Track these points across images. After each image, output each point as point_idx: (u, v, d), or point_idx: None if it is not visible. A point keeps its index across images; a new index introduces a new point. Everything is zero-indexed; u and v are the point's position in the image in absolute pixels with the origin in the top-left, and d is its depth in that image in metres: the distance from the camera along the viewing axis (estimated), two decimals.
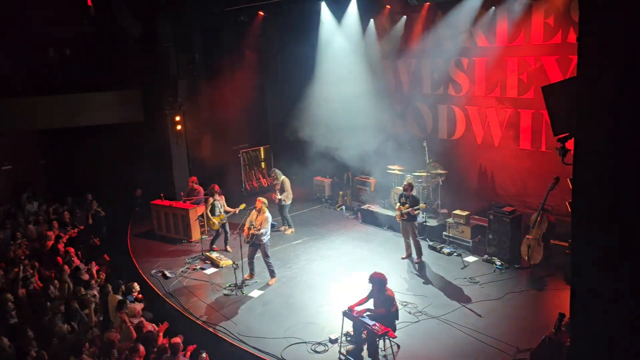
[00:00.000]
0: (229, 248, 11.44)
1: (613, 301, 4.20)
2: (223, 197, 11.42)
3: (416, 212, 10.11)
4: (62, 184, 14.61)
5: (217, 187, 11.34)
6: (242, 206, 10.69)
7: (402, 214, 10.23)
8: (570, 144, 4.83)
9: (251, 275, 9.98)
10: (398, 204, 10.44)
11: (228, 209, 11.21)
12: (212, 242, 11.54)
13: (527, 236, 9.66)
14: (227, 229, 11.48)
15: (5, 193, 13.91)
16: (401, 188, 11.85)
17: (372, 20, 13.71)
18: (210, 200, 11.31)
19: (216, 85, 15.30)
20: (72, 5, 14.24)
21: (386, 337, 7.10)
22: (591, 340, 4.47)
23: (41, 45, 14.24)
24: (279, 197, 12.29)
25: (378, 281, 7.38)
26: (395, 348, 7.43)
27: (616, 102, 3.96)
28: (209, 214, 11.28)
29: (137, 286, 8.92)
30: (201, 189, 12.51)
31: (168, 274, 10.43)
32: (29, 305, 8.57)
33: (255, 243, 9.70)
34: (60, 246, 10.59)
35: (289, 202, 12.45)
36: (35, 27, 14.13)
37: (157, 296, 9.75)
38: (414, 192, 10.31)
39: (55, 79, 14.04)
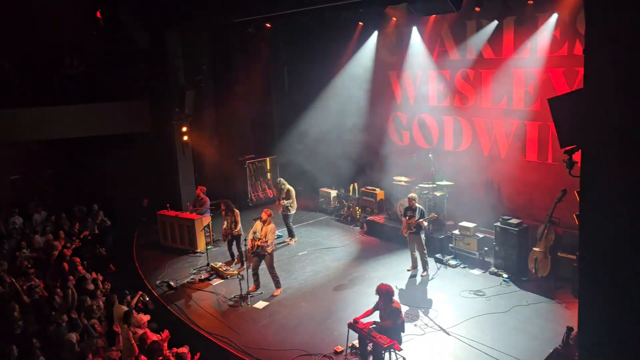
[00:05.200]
0: (244, 267, 10.65)
1: (622, 315, 4.15)
2: (236, 213, 11.05)
3: (425, 223, 10.06)
4: (69, 194, 14.67)
5: (222, 206, 11.12)
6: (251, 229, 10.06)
7: (410, 227, 10.20)
8: (577, 156, 4.81)
9: (256, 287, 9.95)
10: (405, 218, 10.40)
11: (238, 226, 10.97)
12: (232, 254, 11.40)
13: (534, 249, 9.60)
14: (240, 245, 10.93)
15: (12, 202, 13.97)
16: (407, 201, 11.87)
17: (378, 31, 13.80)
18: (223, 214, 11.08)
19: (223, 96, 15.41)
20: (81, 16, 14.40)
21: (392, 349, 7.05)
22: (600, 355, 4.42)
23: (50, 56, 14.39)
24: (285, 203, 12.27)
25: (385, 293, 7.33)
26: None
27: (623, 114, 3.95)
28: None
29: (146, 297, 8.98)
30: (207, 199, 12.53)
31: (173, 284, 10.43)
32: (34, 314, 8.58)
33: (260, 254, 9.68)
34: (67, 255, 10.59)
35: (293, 211, 12.45)
36: (45, 37, 14.28)
37: (162, 306, 9.74)
38: (418, 204, 10.27)
39: (64, 89, 14.17)
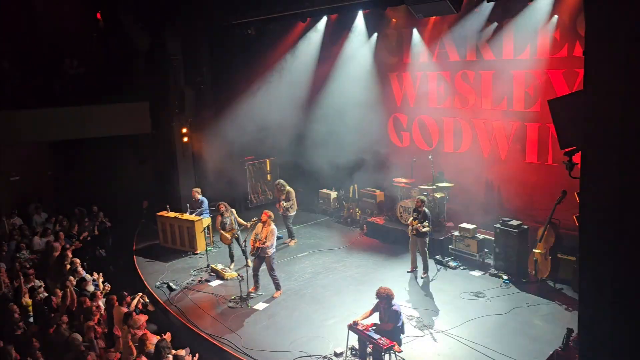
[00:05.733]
0: (249, 262, 10.40)
1: (622, 317, 4.15)
2: (233, 210, 11.21)
3: (424, 229, 10.05)
4: (70, 196, 14.68)
5: (221, 207, 11.09)
6: (254, 220, 10.18)
7: (412, 229, 10.19)
8: (577, 158, 4.81)
9: (256, 288, 9.94)
10: (411, 218, 10.40)
11: (241, 221, 11.02)
12: (232, 258, 11.34)
13: (534, 250, 9.59)
14: (240, 243, 10.92)
15: (12, 204, 13.97)
16: (408, 201, 11.87)
17: (378, 33, 13.81)
18: (219, 218, 11.10)
19: (223, 97, 15.40)
20: (81, 17, 14.43)
21: (392, 351, 7.04)
22: (600, 356, 4.41)
23: (50, 57, 14.40)
24: (285, 204, 12.26)
25: (385, 297, 7.32)
26: None
27: (623, 115, 3.95)
28: (220, 229, 11.09)
29: (146, 298, 8.97)
30: (204, 200, 12.51)
31: (173, 286, 10.42)
32: (35, 316, 8.58)
33: (260, 256, 9.66)
34: (67, 256, 10.59)
35: (293, 213, 12.43)
36: (44, 39, 14.30)
37: (162, 308, 9.73)
38: (425, 209, 10.26)
39: (64, 90, 14.18)
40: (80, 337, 7.30)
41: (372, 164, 14.23)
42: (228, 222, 11.00)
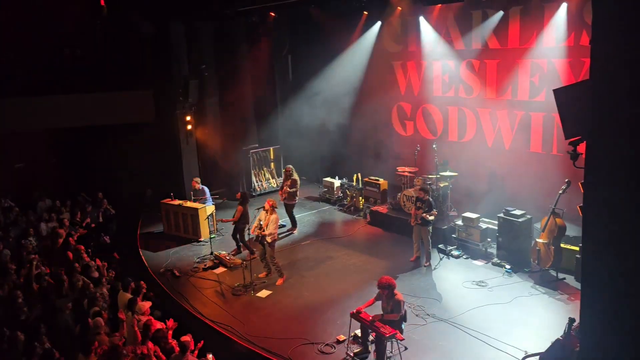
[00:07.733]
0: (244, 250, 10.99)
1: (624, 306, 4.16)
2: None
3: (430, 217, 10.06)
4: (74, 183, 14.72)
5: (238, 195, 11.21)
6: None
7: (416, 218, 10.20)
8: (581, 148, 4.80)
9: (267, 273, 10.01)
10: (413, 207, 10.39)
11: (232, 218, 11.12)
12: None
13: (537, 240, 9.60)
14: (237, 238, 11.26)
15: (16, 191, 14.02)
16: (411, 190, 11.86)
17: (383, 21, 13.73)
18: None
19: (227, 85, 15.38)
20: (85, 5, 14.37)
21: (394, 339, 7.08)
22: (601, 346, 4.43)
23: (53, 45, 14.37)
24: (289, 190, 12.27)
25: (387, 286, 7.34)
26: (402, 350, 7.40)
27: (628, 106, 3.93)
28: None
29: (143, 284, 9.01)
30: (204, 188, 12.54)
31: (177, 273, 10.49)
32: (41, 302, 8.64)
33: (262, 243, 9.72)
34: (71, 243, 10.65)
35: (294, 201, 12.45)
36: (48, 26, 14.24)
37: (166, 295, 9.80)
38: (429, 197, 10.26)
39: (68, 78, 14.16)
40: (102, 320, 7.36)
41: (375, 152, 14.21)
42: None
